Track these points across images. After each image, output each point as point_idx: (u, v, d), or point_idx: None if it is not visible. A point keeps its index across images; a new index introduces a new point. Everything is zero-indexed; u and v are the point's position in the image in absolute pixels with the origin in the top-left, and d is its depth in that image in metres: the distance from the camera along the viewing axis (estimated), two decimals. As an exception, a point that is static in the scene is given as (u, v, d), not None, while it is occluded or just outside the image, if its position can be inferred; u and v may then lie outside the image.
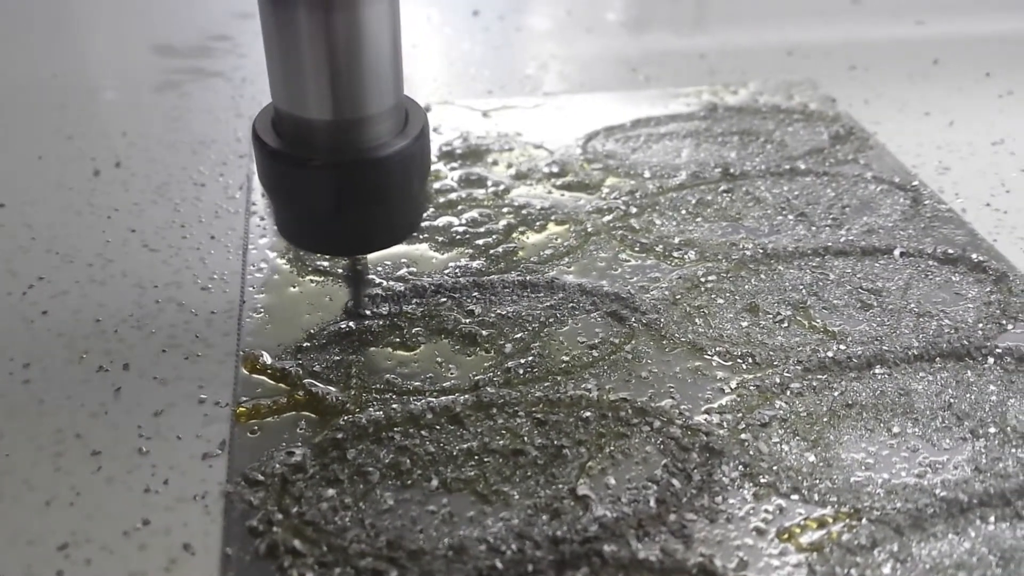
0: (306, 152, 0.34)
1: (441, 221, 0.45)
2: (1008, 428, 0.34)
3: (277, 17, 0.32)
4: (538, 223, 0.45)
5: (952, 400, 0.35)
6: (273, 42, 0.33)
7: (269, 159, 0.34)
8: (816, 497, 0.31)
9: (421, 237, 0.44)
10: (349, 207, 0.35)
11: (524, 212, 0.46)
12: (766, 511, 0.31)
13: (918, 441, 0.34)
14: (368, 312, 0.39)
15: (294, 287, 0.40)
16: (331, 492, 0.31)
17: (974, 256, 0.43)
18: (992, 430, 0.34)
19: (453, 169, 0.49)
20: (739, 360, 0.37)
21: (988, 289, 0.41)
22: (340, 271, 0.41)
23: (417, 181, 0.36)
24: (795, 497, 0.31)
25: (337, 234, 0.36)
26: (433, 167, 0.49)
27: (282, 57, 0.33)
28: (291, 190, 0.35)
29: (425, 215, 0.45)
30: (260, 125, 0.35)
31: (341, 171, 0.34)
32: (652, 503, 0.31)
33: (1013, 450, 0.33)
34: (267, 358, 0.36)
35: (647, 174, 0.49)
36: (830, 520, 0.31)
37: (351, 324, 0.38)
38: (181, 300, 0.40)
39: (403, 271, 0.41)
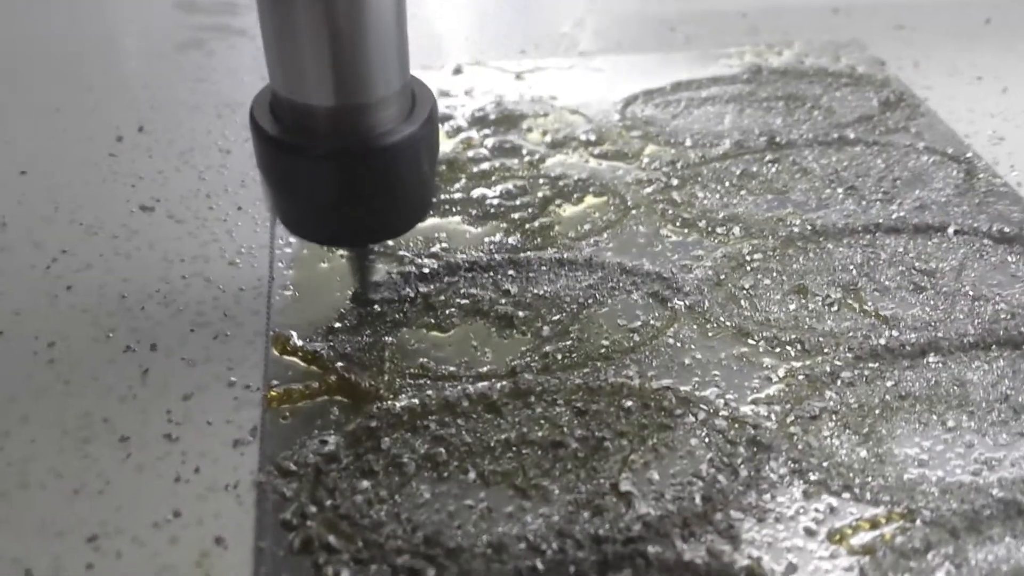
0: (307, 139, 0.32)
1: (475, 193, 0.43)
2: (1069, 423, 0.33)
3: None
4: (575, 195, 0.43)
5: (1009, 392, 0.34)
6: (269, 21, 0.31)
7: (267, 146, 0.32)
8: (868, 496, 0.30)
9: (454, 210, 0.42)
10: (353, 198, 0.33)
11: (561, 183, 0.44)
12: (816, 510, 0.30)
13: (973, 436, 0.32)
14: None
15: (324, 263, 0.39)
16: (366, 484, 0.30)
17: (1032, 235, 0.41)
18: (1052, 425, 0.33)
19: (486, 137, 0.47)
20: (787, 347, 0.35)
21: (1046, 271, 0.39)
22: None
23: (426, 167, 0.34)
24: (846, 496, 0.30)
25: (341, 225, 0.34)
26: (465, 134, 0.47)
27: (279, 38, 0.31)
28: (291, 179, 0.33)
29: (458, 186, 0.44)
30: (258, 109, 0.33)
31: (345, 160, 0.32)
32: (698, 500, 0.30)
33: (1075, 448, 0.32)
34: (298, 340, 0.35)
35: (688, 142, 0.47)
36: (883, 521, 0.29)
37: (378, 307, 0.37)
38: (208, 275, 0.39)
39: (436, 247, 0.40)
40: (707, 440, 0.32)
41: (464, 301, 0.37)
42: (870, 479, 0.31)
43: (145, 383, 0.34)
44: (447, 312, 0.37)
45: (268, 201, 0.34)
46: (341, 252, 0.39)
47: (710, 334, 0.36)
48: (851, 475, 0.31)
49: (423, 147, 0.33)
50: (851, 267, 0.39)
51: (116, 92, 0.52)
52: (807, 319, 0.37)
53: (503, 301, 0.37)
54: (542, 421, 0.32)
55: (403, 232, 0.36)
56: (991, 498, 0.30)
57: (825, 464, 0.31)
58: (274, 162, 0.33)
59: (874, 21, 0.60)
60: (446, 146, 0.47)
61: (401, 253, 0.39)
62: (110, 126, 0.48)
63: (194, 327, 0.36)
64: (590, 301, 0.37)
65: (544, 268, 0.39)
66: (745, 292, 0.38)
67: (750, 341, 0.36)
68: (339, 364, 0.34)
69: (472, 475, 0.31)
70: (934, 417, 0.33)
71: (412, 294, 0.38)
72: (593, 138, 0.48)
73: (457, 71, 0.54)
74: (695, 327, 0.36)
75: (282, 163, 0.32)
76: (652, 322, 0.36)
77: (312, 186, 0.32)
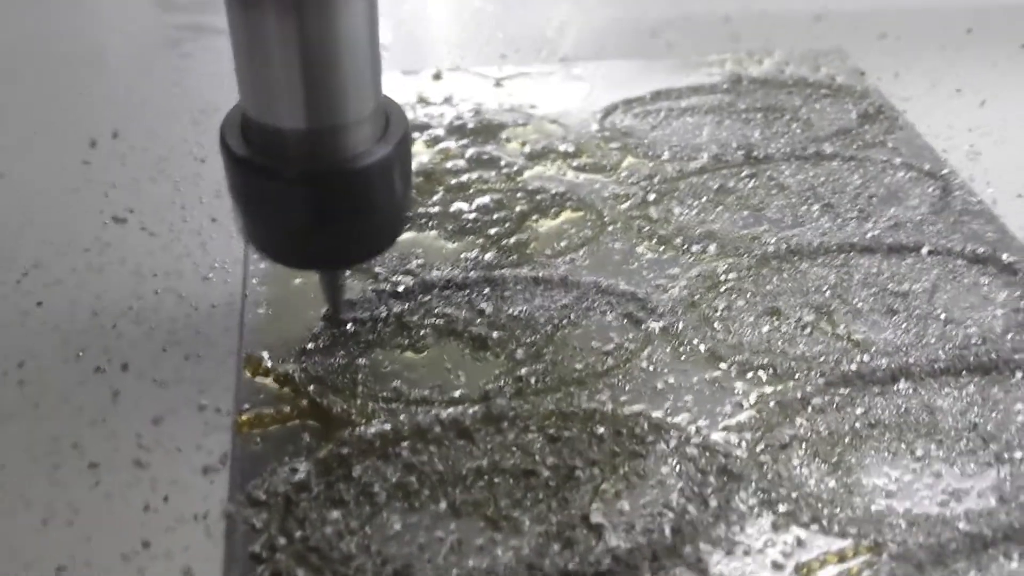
0: (278, 162, 0.31)
1: (451, 207, 0.43)
2: (1035, 453, 0.33)
3: (244, 18, 0.29)
4: (552, 210, 0.43)
5: (977, 420, 0.34)
6: (240, 44, 0.30)
7: (237, 168, 0.32)
8: (836, 528, 0.30)
9: (431, 224, 0.42)
10: (326, 221, 0.32)
11: (538, 197, 0.44)
12: (785, 543, 0.30)
13: (942, 465, 0.32)
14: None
15: (298, 279, 0.39)
16: (336, 514, 0.30)
17: (1004, 257, 0.41)
18: (1018, 455, 0.33)
19: (464, 147, 0.47)
20: (759, 371, 0.35)
21: (1018, 293, 0.39)
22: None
23: (400, 189, 0.34)
24: (815, 528, 0.30)
25: (313, 248, 0.33)
26: (443, 144, 0.47)
27: (250, 61, 0.30)
28: (262, 202, 0.32)
29: (435, 198, 0.44)
30: (228, 129, 0.32)
31: (317, 183, 0.31)
32: (667, 532, 0.30)
33: (1041, 480, 0.32)
34: (270, 361, 0.35)
35: (666, 155, 0.47)
36: (850, 554, 0.30)
37: (351, 327, 0.37)
38: (181, 291, 0.38)
39: (412, 264, 0.40)
40: (678, 469, 0.32)
41: (439, 321, 0.37)
42: (838, 511, 0.31)
43: (115, 406, 0.34)
44: (421, 333, 0.37)
45: (238, 223, 0.34)
46: (315, 269, 0.39)
47: (683, 358, 0.36)
48: (820, 506, 0.31)
49: (397, 168, 0.33)
50: (825, 288, 0.39)
51: (91, 93, 0.51)
52: (779, 342, 0.37)
53: (478, 321, 0.37)
54: (514, 448, 0.32)
55: (376, 255, 0.35)
56: (957, 531, 0.30)
57: (794, 495, 0.31)
58: (244, 184, 0.32)
59: (857, 29, 0.60)
60: (424, 156, 0.46)
61: (376, 270, 0.39)
62: (84, 131, 0.48)
63: (166, 346, 0.36)
64: (565, 322, 0.37)
65: (519, 287, 0.39)
66: (719, 314, 0.38)
67: (722, 365, 0.36)
68: (311, 388, 0.34)
69: (443, 505, 0.31)
70: (903, 446, 0.33)
71: (386, 313, 0.37)
72: (571, 150, 0.47)
73: (437, 76, 0.53)
74: (668, 350, 0.36)
75: (252, 186, 0.32)
76: (626, 344, 0.37)
77: (283, 209, 0.32)
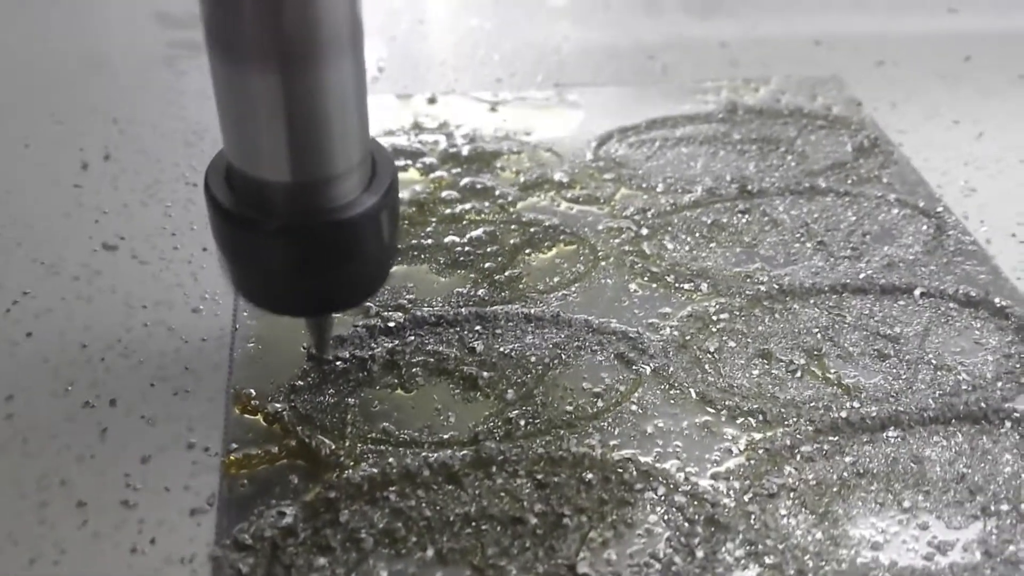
0: (263, 213, 0.31)
1: (444, 239, 0.43)
2: (1022, 506, 0.33)
3: (228, 74, 0.29)
4: (545, 243, 0.43)
5: (965, 471, 0.34)
6: (223, 99, 0.30)
7: (221, 217, 0.31)
8: (821, 582, 0.30)
9: (423, 257, 0.42)
10: (313, 272, 0.32)
11: (531, 230, 0.44)
12: (770, 597, 0.30)
13: (928, 516, 0.32)
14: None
15: (289, 313, 0.39)
16: (322, 561, 0.30)
17: (996, 300, 0.41)
18: (1004, 507, 0.33)
19: (458, 176, 0.47)
20: (749, 417, 0.35)
21: (1009, 339, 0.39)
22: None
23: (387, 235, 0.33)
24: (800, 581, 0.30)
25: (299, 296, 0.33)
26: (436, 174, 0.47)
27: (233, 115, 0.30)
28: (247, 252, 0.32)
29: (428, 230, 0.43)
30: (212, 176, 0.32)
31: (303, 235, 0.31)
32: (653, 584, 0.30)
33: (1026, 536, 0.32)
34: (259, 399, 0.35)
35: (660, 187, 0.47)
36: (834, 610, 0.30)
37: (341, 364, 0.37)
38: (171, 324, 0.38)
39: (403, 299, 0.40)
40: (666, 518, 0.32)
41: (429, 359, 0.37)
42: (824, 563, 0.31)
43: (103, 443, 0.33)
44: (412, 371, 0.37)
45: (223, 268, 0.34)
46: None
47: (673, 401, 0.36)
48: (806, 558, 0.31)
49: (384, 216, 0.32)
50: (816, 330, 0.39)
51: (84, 112, 0.51)
52: (770, 386, 0.37)
53: (469, 360, 0.37)
54: (502, 494, 0.32)
55: (363, 301, 0.35)
56: (941, 587, 0.30)
57: (781, 547, 0.31)
58: (229, 235, 0.32)
59: (855, 55, 0.60)
60: (417, 186, 0.46)
61: (367, 304, 0.39)
62: (76, 153, 0.47)
63: (154, 381, 0.36)
64: (556, 362, 0.37)
65: (511, 324, 0.39)
66: (710, 356, 0.38)
67: (712, 409, 0.36)
68: (300, 428, 0.34)
69: (430, 552, 0.31)
70: (890, 496, 0.33)
71: (377, 350, 0.37)
72: (566, 180, 0.47)
73: (431, 100, 0.53)
74: (659, 392, 0.36)
75: (237, 236, 0.32)
76: (617, 386, 0.36)
77: (268, 260, 0.32)
